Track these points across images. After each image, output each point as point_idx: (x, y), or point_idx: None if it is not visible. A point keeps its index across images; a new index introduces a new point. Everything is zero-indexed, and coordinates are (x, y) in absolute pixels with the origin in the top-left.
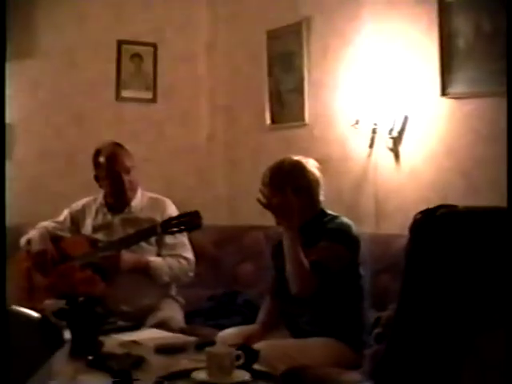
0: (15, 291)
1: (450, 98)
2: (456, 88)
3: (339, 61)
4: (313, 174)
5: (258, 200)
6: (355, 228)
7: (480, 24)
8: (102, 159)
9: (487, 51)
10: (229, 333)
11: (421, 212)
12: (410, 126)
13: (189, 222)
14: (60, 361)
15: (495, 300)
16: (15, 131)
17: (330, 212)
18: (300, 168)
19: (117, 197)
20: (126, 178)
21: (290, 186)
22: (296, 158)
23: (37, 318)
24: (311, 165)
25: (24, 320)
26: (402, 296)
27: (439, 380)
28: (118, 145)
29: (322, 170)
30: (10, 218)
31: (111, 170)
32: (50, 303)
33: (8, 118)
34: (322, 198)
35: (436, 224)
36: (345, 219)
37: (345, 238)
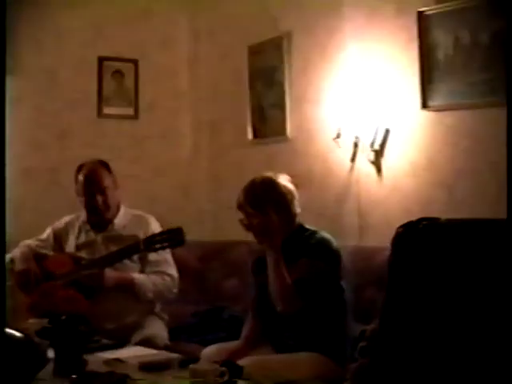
0: None
1: (431, 110)
2: (436, 100)
3: (320, 75)
4: (285, 188)
5: (240, 221)
6: (335, 242)
7: (459, 36)
8: (80, 177)
9: (467, 63)
10: (212, 349)
11: (403, 225)
12: (392, 138)
13: (172, 238)
14: (44, 380)
15: (477, 311)
16: None
17: (308, 227)
18: (271, 184)
19: (94, 215)
20: (99, 198)
21: (266, 204)
22: (266, 174)
23: (20, 337)
24: (283, 179)
25: (7, 340)
26: (385, 309)
27: None
28: (100, 163)
29: (304, 184)
30: None
31: (87, 189)
32: (33, 322)
33: None
34: (298, 210)
35: (418, 236)
36: (324, 234)
37: (325, 253)
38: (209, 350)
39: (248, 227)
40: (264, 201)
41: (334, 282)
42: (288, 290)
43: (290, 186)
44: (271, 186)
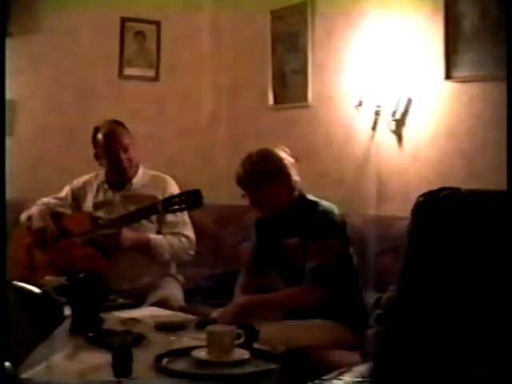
0: (16, 267)
1: (454, 81)
2: (460, 71)
3: (344, 42)
4: (282, 158)
5: (243, 197)
6: (337, 211)
7: (486, 7)
8: (100, 137)
9: (493, 35)
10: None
11: (423, 194)
12: (414, 108)
13: (190, 200)
14: (60, 337)
15: (496, 282)
16: (17, 107)
17: (309, 197)
18: (267, 154)
19: (116, 174)
20: (123, 155)
21: (265, 177)
22: (262, 147)
23: (38, 293)
24: (280, 150)
25: (25, 295)
26: (404, 277)
27: (438, 360)
28: (116, 122)
29: (324, 152)
30: (11, 194)
31: (108, 149)
32: (50, 279)
33: (10, 95)
34: (297, 178)
35: (438, 206)
36: (326, 205)
37: (333, 229)
38: (217, 312)
39: (251, 202)
40: (262, 173)
41: (346, 251)
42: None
43: (288, 157)
44: (268, 156)
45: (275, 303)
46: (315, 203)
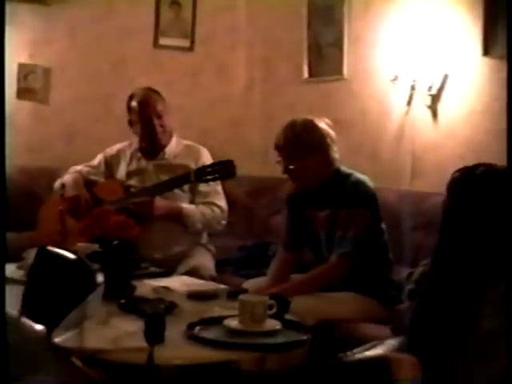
0: (48, 233)
1: (492, 58)
2: (499, 48)
3: (380, 16)
4: (326, 131)
5: (278, 163)
6: (371, 183)
7: None
8: (134, 103)
9: None
10: (253, 282)
11: (459, 170)
12: (450, 84)
13: (223, 170)
14: (93, 303)
15: None
16: (52, 76)
17: (344, 170)
18: (312, 126)
19: (149, 141)
20: (156, 122)
21: (305, 148)
22: (307, 117)
23: (72, 258)
24: (322, 122)
25: (59, 260)
26: (438, 252)
27: (468, 332)
28: (151, 90)
29: (359, 125)
30: (46, 162)
31: (142, 114)
32: (83, 246)
33: (46, 62)
34: (336, 155)
35: (475, 182)
36: (359, 176)
37: (363, 199)
38: (248, 283)
39: (285, 170)
40: (303, 144)
41: (375, 225)
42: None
43: (330, 131)
44: (312, 128)
45: (307, 285)
46: (348, 175)
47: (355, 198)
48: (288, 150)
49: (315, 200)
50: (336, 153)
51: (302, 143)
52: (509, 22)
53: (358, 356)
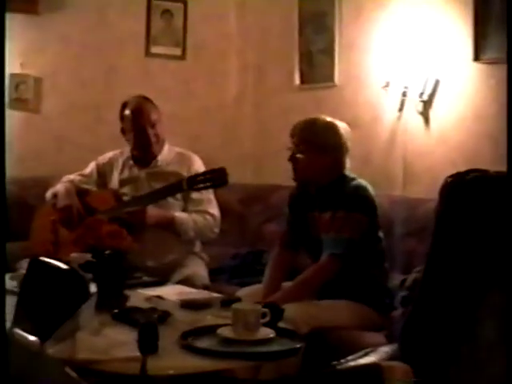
0: (41, 243)
1: (483, 63)
2: (489, 53)
3: (371, 22)
4: (344, 137)
5: (288, 149)
6: (371, 190)
7: None
8: (127, 112)
9: None
10: (246, 290)
11: (451, 176)
12: (441, 89)
13: (215, 178)
14: (86, 313)
15: None
16: (44, 85)
17: (348, 174)
18: (333, 128)
19: (142, 150)
20: (150, 131)
21: (319, 144)
22: (329, 118)
23: (65, 269)
24: (343, 127)
25: (52, 271)
26: (430, 258)
27: (462, 339)
28: (144, 98)
29: (351, 132)
30: (37, 171)
31: (136, 123)
32: (76, 256)
33: (37, 72)
34: (347, 162)
35: (467, 187)
36: (361, 182)
37: (362, 203)
38: (244, 292)
39: (291, 158)
40: (320, 140)
41: (372, 231)
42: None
43: (348, 137)
44: (331, 128)
45: (299, 289)
46: (351, 180)
47: (353, 202)
48: (302, 140)
49: (316, 202)
50: (347, 160)
51: (319, 139)
52: (509, 24)
53: (351, 364)
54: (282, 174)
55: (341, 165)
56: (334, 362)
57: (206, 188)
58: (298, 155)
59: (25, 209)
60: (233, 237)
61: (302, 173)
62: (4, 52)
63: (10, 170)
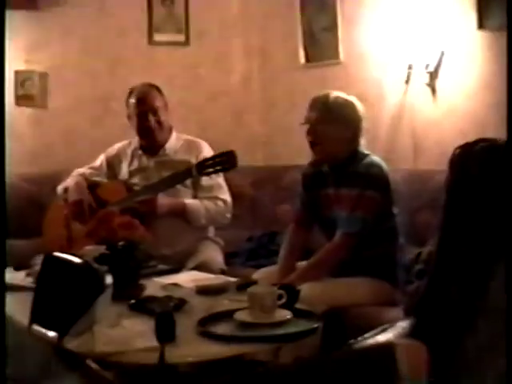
0: (55, 239)
1: (488, 30)
2: (493, 20)
3: None
4: (361, 113)
5: (306, 119)
6: (385, 166)
7: None
8: (132, 99)
9: None
10: (263, 272)
11: (460, 146)
12: (447, 60)
13: (224, 162)
14: (103, 305)
15: None
16: (49, 80)
17: (361, 151)
18: (352, 103)
19: (145, 136)
20: (152, 117)
21: (342, 116)
22: (352, 98)
23: (79, 263)
24: (359, 105)
25: (66, 266)
26: (443, 230)
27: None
28: (150, 85)
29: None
30: (47, 167)
31: (138, 110)
32: (90, 249)
33: (41, 67)
34: (362, 139)
35: (475, 158)
36: (374, 159)
37: (375, 181)
38: (260, 273)
39: (311, 131)
40: (338, 114)
41: (386, 208)
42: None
43: (365, 118)
44: (351, 104)
45: (314, 269)
46: (364, 156)
47: (366, 180)
48: (325, 111)
49: (330, 180)
50: (363, 137)
51: (342, 111)
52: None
53: (369, 341)
54: (293, 154)
55: (357, 140)
56: (351, 341)
57: (215, 172)
58: (320, 127)
59: (37, 205)
60: (246, 220)
61: (323, 146)
62: (4, 52)
63: (21, 167)
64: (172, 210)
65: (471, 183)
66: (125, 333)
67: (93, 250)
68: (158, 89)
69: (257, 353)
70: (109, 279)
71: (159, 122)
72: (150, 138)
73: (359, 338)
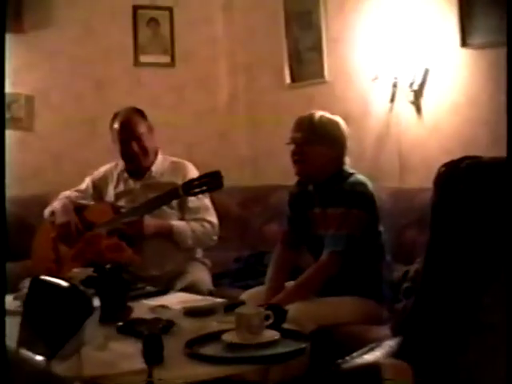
0: (42, 262)
1: (471, 48)
2: (476, 38)
3: (357, 15)
4: (346, 133)
5: (291, 139)
6: (370, 185)
7: None
8: (115, 125)
9: None
10: (251, 292)
11: (445, 164)
12: (431, 78)
13: (210, 182)
14: (90, 328)
15: None
16: (35, 102)
17: (346, 170)
18: (337, 123)
19: (128, 162)
20: (135, 144)
21: (327, 137)
22: (336, 117)
23: (66, 286)
24: (343, 124)
25: (53, 289)
26: (430, 248)
27: (468, 328)
28: (134, 110)
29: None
30: (35, 189)
31: (121, 136)
32: (77, 272)
33: (28, 90)
34: (347, 158)
35: (460, 176)
36: (359, 177)
37: (360, 199)
38: (248, 294)
39: (297, 152)
40: (323, 133)
41: (371, 226)
42: (319, 283)
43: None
44: (335, 123)
45: (301, 289)
46: (349, 175)
47: (352, 198)
48: (311, 132)
49: (315, 199)
50: (347, 156)
51: (327, 132)
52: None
53: (356, 361)
54: (279, 174)
55: (342, 159)
56: (339, 361)
57: (202, 192)
58: (305, 147)
59: (25, 228)
60: (234, 240)
61: (308, 166)
62: (4, 69)
63: (9, 190)
64: (159, 231)
65: (457, 201)
66: (113, 355)
67: (81, 272)
68: (141, 113)
69: (246, 373)
70: (96, 302)
71: (143, 148)
72: (135, 163)
73: (347, 358)
